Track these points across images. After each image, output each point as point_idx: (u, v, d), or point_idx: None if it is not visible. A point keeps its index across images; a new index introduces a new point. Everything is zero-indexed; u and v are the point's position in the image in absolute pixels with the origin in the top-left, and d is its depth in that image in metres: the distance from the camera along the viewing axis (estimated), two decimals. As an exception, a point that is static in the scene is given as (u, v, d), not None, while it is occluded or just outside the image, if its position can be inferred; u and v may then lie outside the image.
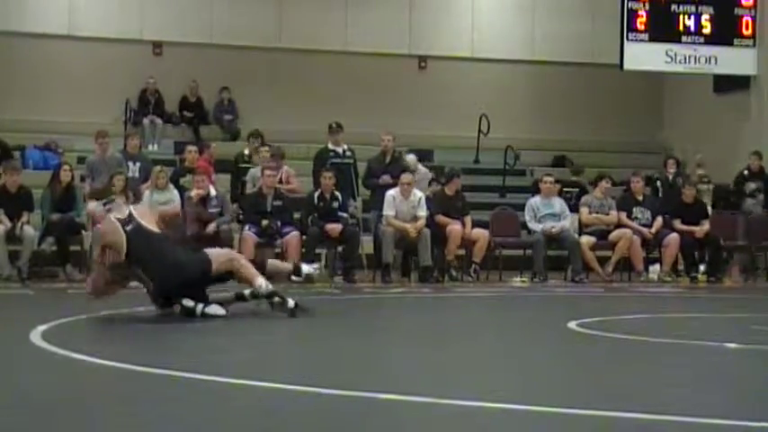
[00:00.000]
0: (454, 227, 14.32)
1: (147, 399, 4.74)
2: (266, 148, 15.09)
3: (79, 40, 19.59)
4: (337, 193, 14.20)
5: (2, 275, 13.02)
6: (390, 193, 14.34)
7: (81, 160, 15.96)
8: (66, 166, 14.27)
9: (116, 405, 4.50)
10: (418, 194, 14.40)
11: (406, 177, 14.39)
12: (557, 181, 15.95)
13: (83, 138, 17.40)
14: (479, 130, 19.99)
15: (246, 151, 15.65)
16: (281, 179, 14.79)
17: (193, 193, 13.75)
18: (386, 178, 14.89)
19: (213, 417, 4.31)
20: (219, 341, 7.15)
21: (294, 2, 20.46)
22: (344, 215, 14.25)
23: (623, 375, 5.85)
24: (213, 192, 13.96)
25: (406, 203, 14.28)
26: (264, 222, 13.74)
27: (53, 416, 4.36)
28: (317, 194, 14.17)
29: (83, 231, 13.67)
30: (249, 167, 15.12)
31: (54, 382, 5.37)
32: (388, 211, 14.22)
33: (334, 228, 13.85)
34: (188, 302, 8.28)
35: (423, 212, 14.29)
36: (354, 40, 20.56)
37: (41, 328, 7.34)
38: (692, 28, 18.17)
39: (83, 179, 14.91)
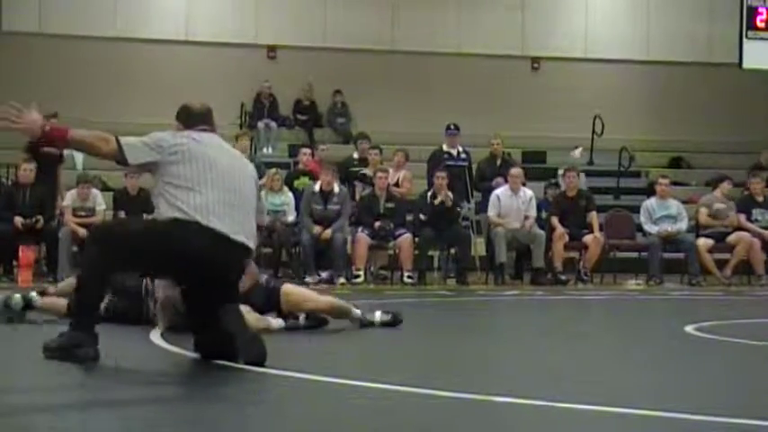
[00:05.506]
0: (558, 233, 14.21)
1: (260, 398, 4.80)
2: (376, 152, 15.11)
3: (195, 44, 19.98)
4: (449, 193, 14.22)
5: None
6: (496, 193, 14.34)
7: (197, 163, 16.20)
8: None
9: (227, 404, 4.56)
10: (528, 193, 14.35)
11: (515, 171, 14.36)
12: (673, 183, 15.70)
13: (200, 141, 17.70)
14: (593, 132, 19.79)
15: (356, 155, 15.68)
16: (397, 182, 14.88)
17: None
18: (499, 180, 14.85)
19: (326, 416, 4.34)
20: (329, 343, 7.20)
21: (407, 5, 20.53)
22: (460, 208, 14.27)
23: (742, 381, 5.72)
24: (337, 188, 14.10)
25: (515, 200, 14.21)
26: (377, 224, 13.82)
27: (167, 412, 4.45)
28: (429, 194, 14.18)
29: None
30: (358, 170, 15.17)
31: (170, 379, 5.48)
32: (490, 210, 14.20)
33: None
34: None
35: (533, 212, 14.23)
36: (467, 41, 20.55)
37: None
38: (815, 25, 17.75)
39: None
